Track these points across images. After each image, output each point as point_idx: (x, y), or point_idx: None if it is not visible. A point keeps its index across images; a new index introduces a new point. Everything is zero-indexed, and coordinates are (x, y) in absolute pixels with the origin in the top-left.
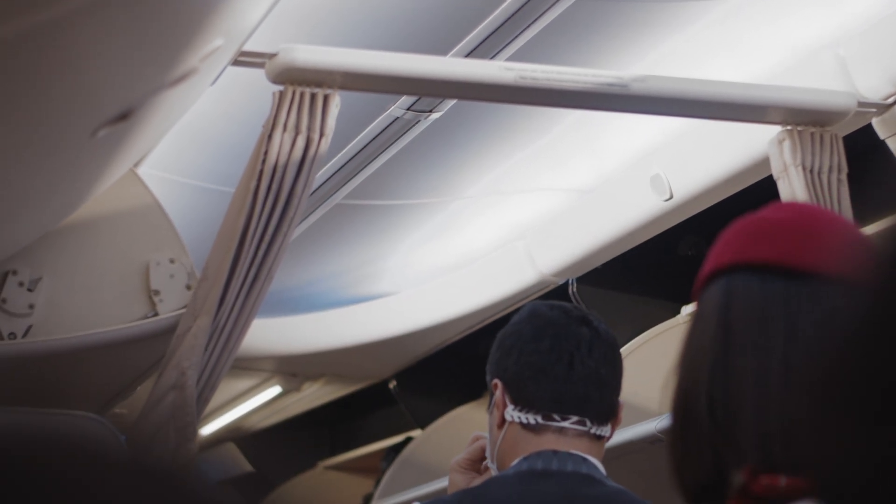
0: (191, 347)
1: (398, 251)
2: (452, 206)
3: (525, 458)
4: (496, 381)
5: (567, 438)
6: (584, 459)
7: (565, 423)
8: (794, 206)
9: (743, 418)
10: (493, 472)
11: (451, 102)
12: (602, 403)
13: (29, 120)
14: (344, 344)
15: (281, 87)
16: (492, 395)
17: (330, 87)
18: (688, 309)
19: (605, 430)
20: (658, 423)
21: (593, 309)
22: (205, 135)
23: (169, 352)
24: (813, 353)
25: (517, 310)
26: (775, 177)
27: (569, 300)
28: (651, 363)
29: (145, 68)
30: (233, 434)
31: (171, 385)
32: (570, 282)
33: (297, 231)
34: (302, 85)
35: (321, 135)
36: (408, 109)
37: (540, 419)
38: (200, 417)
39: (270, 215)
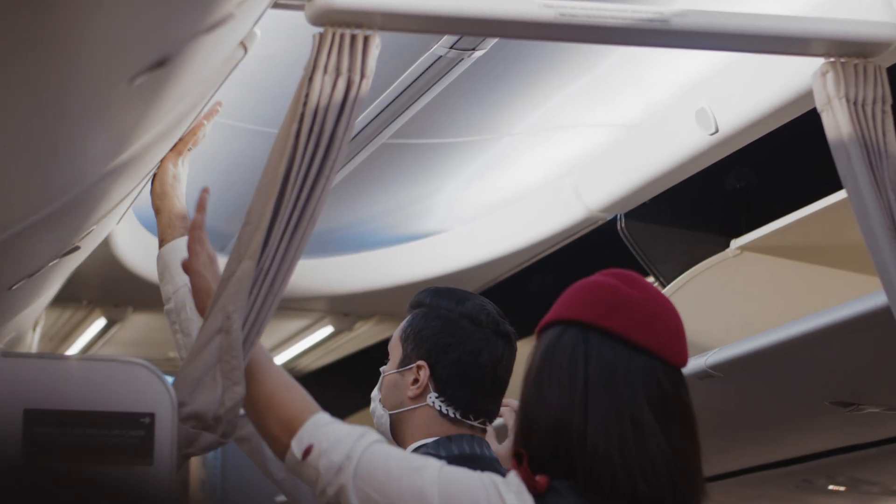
0: (235, 291)
1: (446, 189)
2: (499, 144)
3: (449, 440)
4: (424, 364)
5: (474, 431)
6: (488, 445)
7: (475, 423)
8: (648, 289)
9: (602, 453)
10: (378, 409)
11: (494, 40)
12: (497, 408)
13: (66, 68)
14: (395, 283)
15: (321, 30)
16: (405, 357)
17: (370, 28)
18: (737, 242)
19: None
20: (708, 358)
21: (642, 244)
22: (254, 78)
23: (214, 296)
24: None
25: (566, 247)
26: (819, 109)
27: (618, 236)
28: (701, 297)
29: (180, 15)
30: None
31: (216, 329)
32: (618, 217)
33: (346, 171)
34: (342, 27)
35: (362, 76)
36: (451, 48)
37: (458, 415)
38: (247, 361)
39: (313, 158)
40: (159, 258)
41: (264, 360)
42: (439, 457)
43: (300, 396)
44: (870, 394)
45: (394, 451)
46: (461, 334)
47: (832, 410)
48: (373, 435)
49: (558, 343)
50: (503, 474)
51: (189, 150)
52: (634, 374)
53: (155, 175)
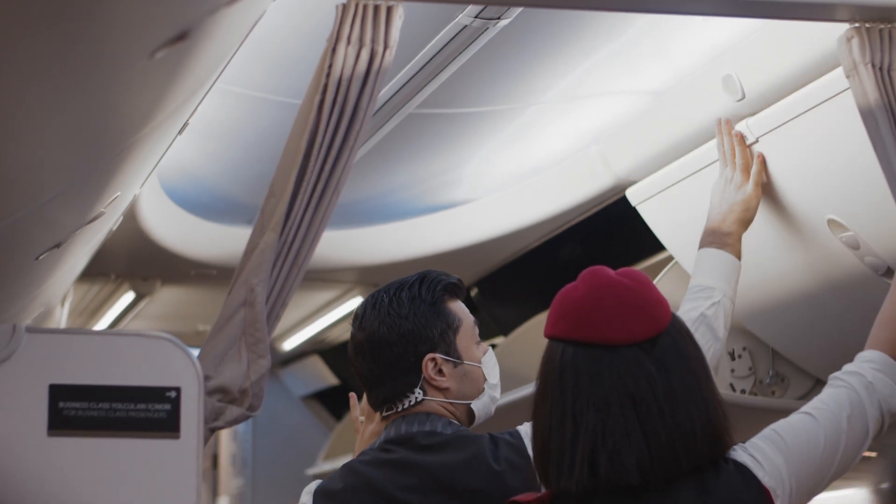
0: (258, 264)
1: (474, 159)
2: (526, 113)
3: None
4: None
5: (394, 419)
6: (417, 416)
7: (384, 413)
8: (592, 282)
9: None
10: None
11: (519, 9)
12: (386, 389)
13: (88, 44)
14: (424, 253)
15: (344, 0)
16: None
17: None
18: None
19: (414, 398)
20: None
21: None
22: (280, 50)
23: (237, 269)
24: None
25: (594, 215)
26: (845, 75)
27: None
28: None
29: None
30: (317, 346)
31: (240, 302)
32: None
33: (373, 142)
34: None
35: (385, 47)
36: (476, 17)
37: (381, 412)
38: (272, 334)
39: (336, 130)
40: None
41: None
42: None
43: None
44: (860, 220)
45: None
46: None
47: (832, 243)
48: None
49: (543, 360)
50: (421, 445)
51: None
52: (578, 369)
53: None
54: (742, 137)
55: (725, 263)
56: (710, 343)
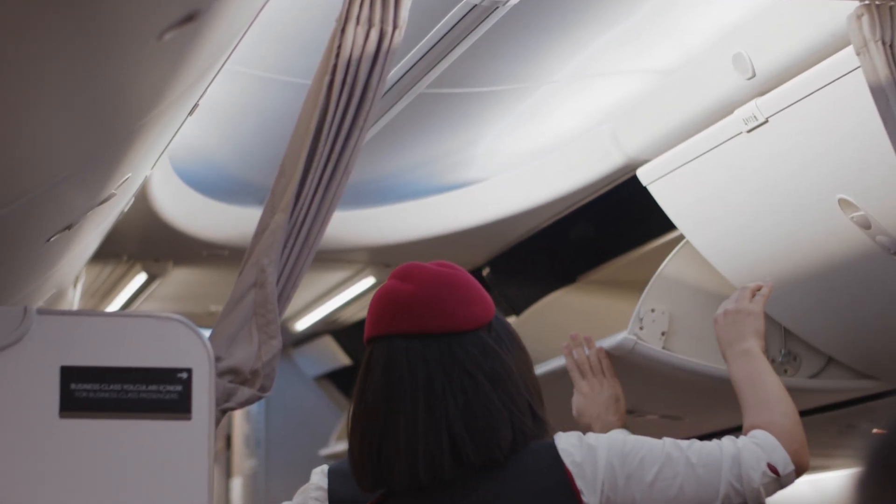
0: (269, 245)
1: (485, 138)
2: (538, 93)
3: None
4: None
5: None
6: None
7: None
8: (419, 277)
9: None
10: None
11: None
12: None
13: (96, 26)
14: (435, 232)
15: None
16: None
17: None
18: None
19: None
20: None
21: None
22: (290, 30)
23: (248, 250)
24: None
25: (606, 194)
26: (856, 52)
27: None
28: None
29: None
30: (329, 327)
31: (251, 283)
32: None
33: (384, 121)
34: None
35: (394, 27)
36: None
37: None
38: (283, 315)
39: (346, 110)
40: None
41: None
42: None
43: None
44: (871, 199)
45: None
46: None
47: (843, 222)
48: None
49: (367, 361)
50: None
51: None
52: (429, 361)
53: None
54: (586, 341)
55: None
56: None
